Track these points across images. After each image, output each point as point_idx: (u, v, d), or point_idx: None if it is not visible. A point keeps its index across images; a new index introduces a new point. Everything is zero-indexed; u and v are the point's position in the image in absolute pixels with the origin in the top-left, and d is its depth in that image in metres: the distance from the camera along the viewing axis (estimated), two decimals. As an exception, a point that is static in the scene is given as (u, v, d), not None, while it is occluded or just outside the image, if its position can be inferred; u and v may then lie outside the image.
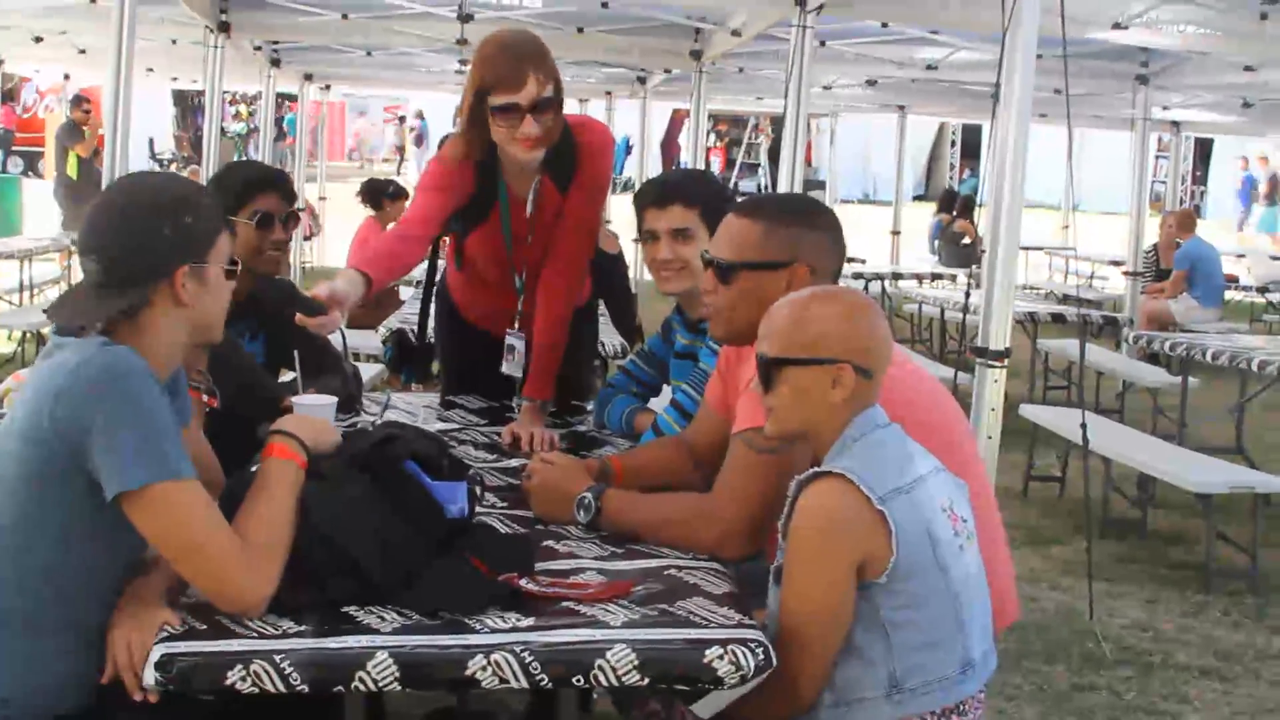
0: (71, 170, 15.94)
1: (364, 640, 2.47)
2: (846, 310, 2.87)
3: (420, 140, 41.13)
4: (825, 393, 2.81)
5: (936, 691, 2.75)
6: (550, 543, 3.12)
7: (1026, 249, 17.41)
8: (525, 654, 2.44)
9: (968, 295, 7.25)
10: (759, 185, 32.95)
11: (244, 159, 23.26)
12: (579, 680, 2.47)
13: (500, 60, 3.93)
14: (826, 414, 2.83)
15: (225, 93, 12.18)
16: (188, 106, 35.47)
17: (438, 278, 4.82)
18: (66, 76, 20.68)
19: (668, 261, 3.99)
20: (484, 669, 2.43)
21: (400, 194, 11.75)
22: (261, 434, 2.87)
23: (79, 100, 17.26)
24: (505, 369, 4.37)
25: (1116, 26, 8.40)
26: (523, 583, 2.74)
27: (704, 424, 3.59)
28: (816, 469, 2.76)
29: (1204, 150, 35.37)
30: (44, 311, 2.83)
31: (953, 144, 37.56)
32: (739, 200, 3.60)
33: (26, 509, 2.60)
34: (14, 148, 32.17)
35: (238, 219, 4.10)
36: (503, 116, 3.94)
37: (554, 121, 4.01)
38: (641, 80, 14.87)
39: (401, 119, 41.77)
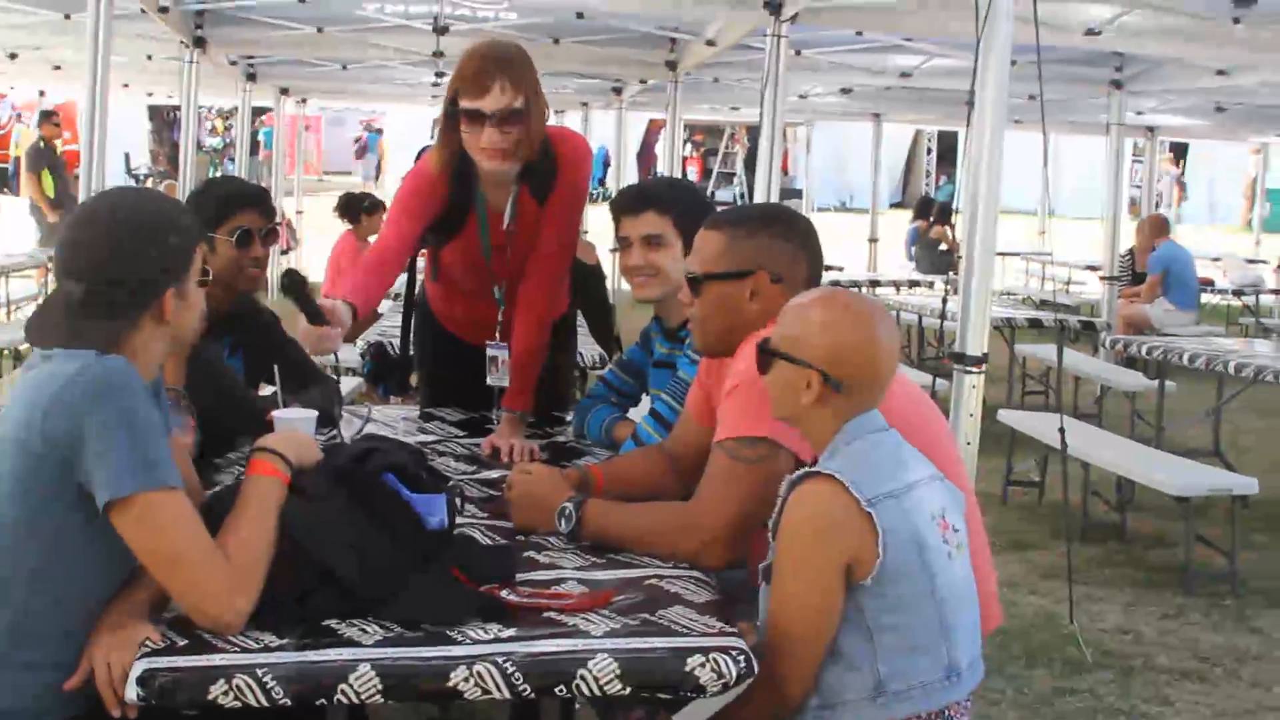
0: (48, 189, 15.90)
1: (346, 653, 2.47)
2: (835, 321, 2.86)
3: (363, 152, 40.94)
4: (799, 393, 2.84)
5: (920, 696, 2.76)
6: (531, 553, 3.12)
7: (1003, 255, 17.49)
8: (507, 664, 2.44)
9: (945, 301, 7.27)
10: (735, 195, 32.96)
11: (222, 175, 23.21)
12: (561, 690, 2.47)
13: (470, 66, 3.95)
14: (803, 413, 2.86)
15: (201, 107, 12.17)
16: (163, 121, 35.37)
17: (416, 290, 4.82)
18: (42, 93, 20.64)
19: (639, 268, 4.00)
20: (466, 680, 2.42)
21: (377, 206, 11.75)
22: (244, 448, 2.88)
23: (47, 115, 17.22)
24: (490, 381, 4.36)
25: (1090, 33, 8.44)
26: (504, 593, 2.74)
27: (685, 433, 3.59)
28: (807, 469, 2.78)
29: (1179, 155, 35.50)
30: (25, 332, 2.83)
31: (928, 151, 37.65)
32: (716, 211, 3.62)
33: (17, 519, 2.60)
34: (-12, 164, 32.03)
35: (217, 236, 4.09)
36: (467, 122, 3.96)
37: (523, 135, 3.99)
38: (617, 91, 14.89)
39: (378, 132, 41.65)
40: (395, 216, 4.22)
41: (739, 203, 28.10)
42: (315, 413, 3.42)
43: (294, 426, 3.20)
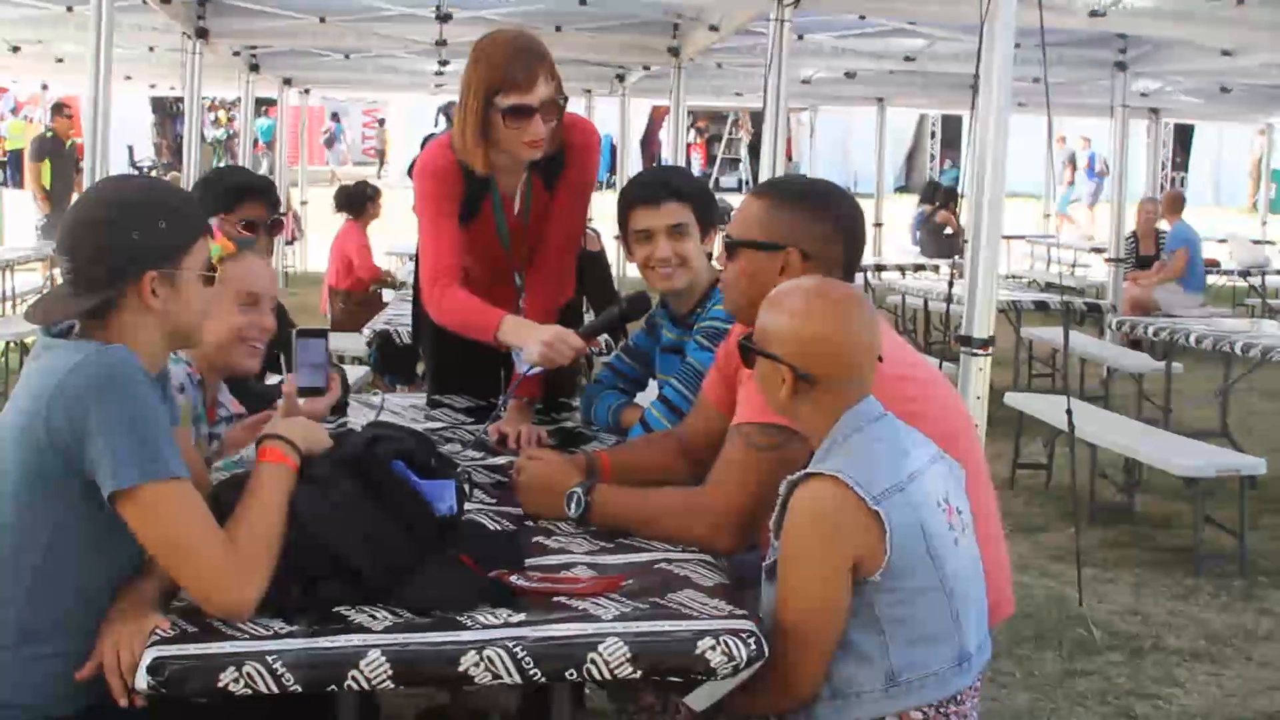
0: (45, 179, 15.96)
1: (356, 639, 2.47)
2: (802, 313, 2.85)
3: (331, 143, 40.82)
4: (778, 388, 2.83)
5: (933, 684, 2.75)
6: (540, 538, 3.12)
7: (1008, 238, 17.43)
8: (518, 649, 2.44)
9: (951, 285, 7.27)
10: (740, 180, 32.94)
11: (231, 165, 23.26)
12: (572, 674, 2.47)
13: (512, 61, 3.87)
14: (787, 408, 2.84)
15: (204, 99, 12.17)
16: (166, 113, 35.39)
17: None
18: (45, 86, 20.65)
19: (666, 259, 3.98)
20: (476, 665, 2.43)
21: (376, 194, 11.78)
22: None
23: (60, 107, 17.25)
24: (520, 369, 4.34)
25: (1094, 14, 8.41)
26: (513, 579, 2.74)
27: (701, 418, 3.57)
28: (807, 470, 2.76)
29: (1184, 136, 35.42)
30: (27, 313, 2.84)
31: (932, 135, 37.57)
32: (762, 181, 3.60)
33: (21, 511, 2.61)
34: (-6, 158, 32.02)
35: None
36: (513, 118, 3.87)
37: (559, 122, 3.99)
38: (620, 78, 14.87)
39: (381, 122, 41.63)
40: (435, 225, 4.14)
41: (744, 189, 28.09)
42: (323, 400, 3.42)
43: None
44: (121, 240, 2.71)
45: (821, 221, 3.27)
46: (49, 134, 16.61)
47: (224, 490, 2.81)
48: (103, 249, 2.71)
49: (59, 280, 2.82)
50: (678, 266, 4.00)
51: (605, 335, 6.63)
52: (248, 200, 4.22)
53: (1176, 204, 14.03)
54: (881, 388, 2.89)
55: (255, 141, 27.76)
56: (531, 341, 3.84)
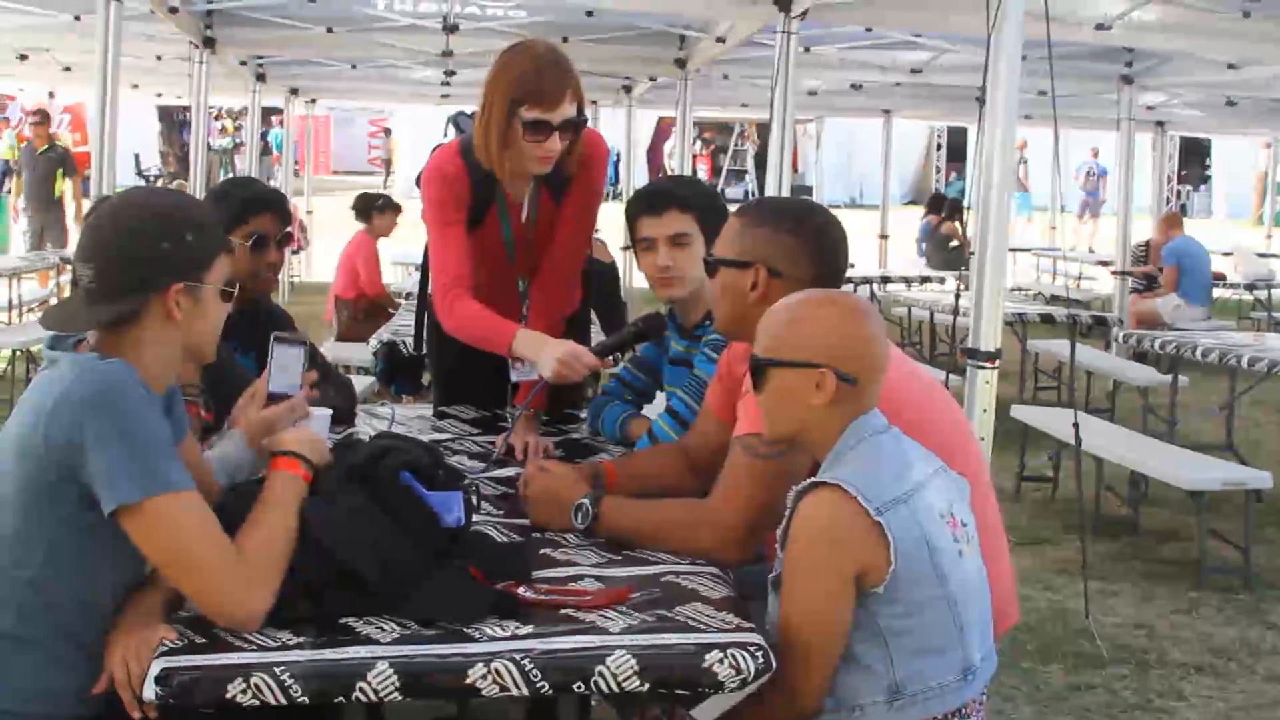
0: (18, 190, 16.25)
1: (364, 651, 2.47)
2: (832, 314, 2.86)
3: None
4: (808, 396, 2.81)
5: (937, 697, 2.74)
6: (548, 550, 3.12)
7: (1015, 250, 17.43)
8: (525, 661, 2.44)
9: (958, 297, 7.27)
10: (746, 192, 32.94)
11: (243, 176, 23.27)
12: (579, 687, 2.47)
13: (540, 76, 3.90)
14: (813, 418, 2.83)
15: (211, 108, 12.17)
16: (173, 122, 35.41)
17: (430, 288, 4.80)
18: (52, 94, 20.69)
19: (666, 268, 4.00)
20: (484, 677, 2.43)
21: (387, 206, 11.80)
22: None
23: (36, 115, 17.48)
24: (515, 376, 4.33)
25: (1100, 27, 8.43)
26: (521, 591, 2.74)
27: (704, 429, 3.58)
28: (813, 480, 2.76)
29: (1198, 149, 35.39)
30: (42, 318, 2.83)
31: (938, 147, 37.55)
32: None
33: (20, 522, 2.61)
34: (-1, 167, 32.02)
35: (233, 238, 4.08)
36: (532, 132, 3.89)
37: (575, 141, 4.01)
38: (627, 89, 14.89)
39: (387, 131, 41.62)
40: (443, 233, 4.15)
41: (749, 200, 28.11)
42: (329, 411, 3.41)
43: (308, 425, 3.20)
44: (152, 250, 2.70)
45: (790, 238, 3.28)
46: (27, 143, 16.84)
47: (230, 499, 2.80)
48: (133, 258, 2.70)
49: (67, 288, 2.82)
50: (678, 275, 4.01)
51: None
52: (257, 214, 4.21)
53: (1172, 220, 14.14)
54: (882, 398, 2.90)
55: (271, 152, 27.82)
56: (545, 357, 3.85)
